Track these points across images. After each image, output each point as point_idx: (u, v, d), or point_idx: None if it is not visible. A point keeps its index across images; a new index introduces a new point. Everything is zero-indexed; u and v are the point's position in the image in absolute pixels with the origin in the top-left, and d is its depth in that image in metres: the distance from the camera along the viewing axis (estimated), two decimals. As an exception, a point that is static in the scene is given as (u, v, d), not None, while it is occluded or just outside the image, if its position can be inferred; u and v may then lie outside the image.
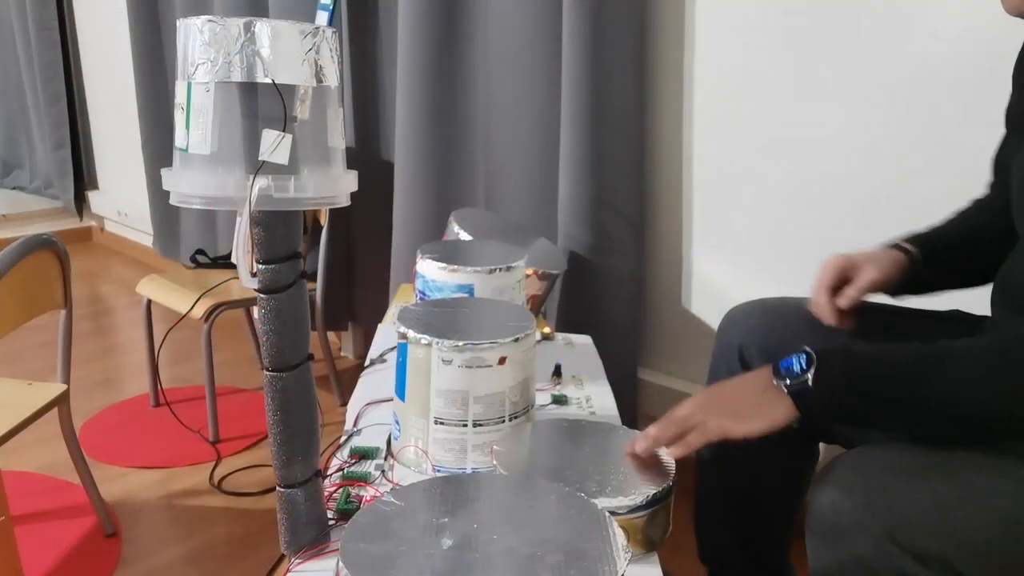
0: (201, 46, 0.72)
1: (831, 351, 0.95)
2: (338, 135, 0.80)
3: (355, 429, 1.17)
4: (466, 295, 1.28)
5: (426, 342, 1.00)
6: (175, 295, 2.21)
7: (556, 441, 1.01)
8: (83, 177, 4.19)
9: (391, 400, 1.11)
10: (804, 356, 0.95)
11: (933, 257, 1.18)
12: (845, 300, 1.14)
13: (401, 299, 1.72)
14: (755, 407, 0.96)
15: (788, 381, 0.94)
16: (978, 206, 1.24)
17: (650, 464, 0.96)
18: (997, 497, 0.85)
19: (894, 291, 1.17)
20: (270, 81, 0.72)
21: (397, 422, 1.08)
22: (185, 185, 0.75)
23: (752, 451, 1.27)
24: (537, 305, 1.61)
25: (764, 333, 1.24)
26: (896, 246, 1.18)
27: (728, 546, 1.34)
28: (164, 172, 0.76)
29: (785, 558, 1.37)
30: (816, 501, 0.92)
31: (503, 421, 1.04)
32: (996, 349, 0.90)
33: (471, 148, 2.11)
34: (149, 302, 2.31)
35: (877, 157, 1.53)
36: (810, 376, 0.93)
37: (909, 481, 0.87)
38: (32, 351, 2.72)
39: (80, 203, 4.21)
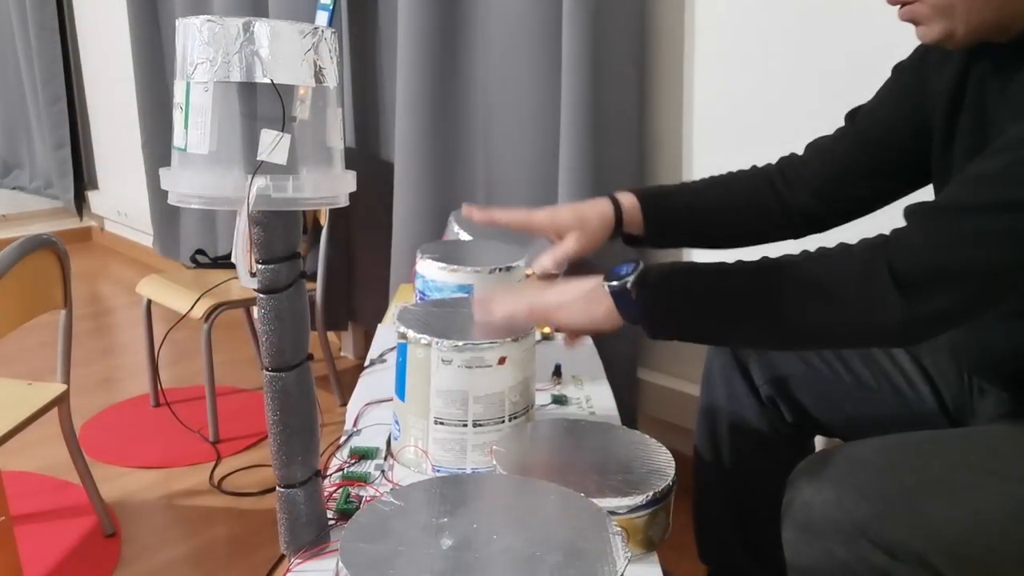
0: (200, 46, 0.72)
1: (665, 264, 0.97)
2: (337, 135, 0.80)
3: (355, 429, 1.17)
4: (466, 295, 1.28)
5: (426, 342, 1.00)
6: (175, 295, 2.21)
7: (556, 441, 1.01)
8: (83, 177, 4.19)
9: (391, 400, 1.11)
10: (634, 263, 0.95)
11: (656, 222, 1.22)
12: (539, 269, 1.17)
13: (401, 299, 1.72)
14: (579, 304, 0.96)
15: (612, 283, 0.94)
16: (747, 175, 1.25)
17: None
18: (966, 489, 0.86)
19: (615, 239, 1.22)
20: (269, 81, 0.72)
21: (397, 422, 1.08)
22: (183, 185, 0.75)
23: (749, 449, 1.28)
24: (537, 305, 1.60)
25: None
26: (615, 200, 1.21)
27: (728, 545, 1.34)
28: (162, 171, 0.76)
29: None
30: (789, 497, 0.93)
31: (503, 421, 1.04)
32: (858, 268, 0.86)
33: (471, 148, 2.11)
34: (149, 302, 2.31)
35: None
36: (631, 280, 0.92)
37: (878, 476, 0.88)
38: (32, 351, 2.72)
39: (80, 203, 4.22)
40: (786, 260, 0.90)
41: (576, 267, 1.18)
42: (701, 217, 1.23)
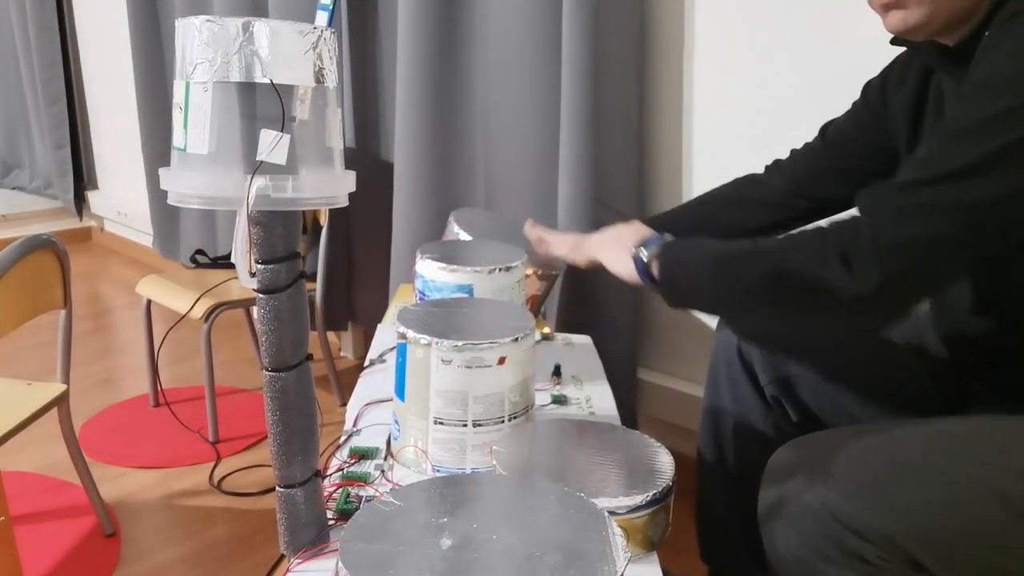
0: (199, 46, 0.72)
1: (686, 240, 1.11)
2: (336, 135, 0.79)
3: (355, 429, 1.17)
4: (466, 295, 1.28)
5: (425, 342, 1.00)
6: (175, 295, 2.21)
7: (556, 441, 1.01)
8: (83, 177, 4.19)
9: (391, 400, 1.11)
10: (658, 238, 1.11)
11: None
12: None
13: (401, 299, 1.72)
14: (617, 254, 1.17)
15: (637, 248, 1.12)
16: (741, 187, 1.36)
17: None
18: (935, 474, 0.87)
19: None
20: (268, 81, 0.72)
21: (396, 422, 1.08)
22: (183, 185, 0.75)
23: (753, 450, 1.27)
24: (537, 305, 1.60)
25: (763, 333, 1.25)
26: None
27: (731, 545, 1.34)
28: (162, 172, 0.76)
29: None
30: (765, 483, 0.96)
31: (503, 421, 1.04)
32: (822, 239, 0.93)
33: (471, 148, 2.11)
34: (149, 302, 2.31)
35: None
36: (647, 252, 1.10)
37: (850, 460, 0.90)
38: (32, 351, 2.72)
39: (80, 203, 4.22)
40: (764, 246, 1.00)
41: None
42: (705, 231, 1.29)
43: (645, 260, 1.10)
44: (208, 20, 0.71)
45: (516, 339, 1.02)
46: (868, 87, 1.22)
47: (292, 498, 0.87)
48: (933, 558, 0.85)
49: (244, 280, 0.80)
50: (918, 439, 0.92)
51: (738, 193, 1.35)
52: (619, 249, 1.16)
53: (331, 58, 0.76)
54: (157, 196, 3.37)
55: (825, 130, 1.29)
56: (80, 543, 1.77)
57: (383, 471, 1.05)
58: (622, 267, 1.14)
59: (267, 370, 0.83)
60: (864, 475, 0.88)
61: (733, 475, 1.31)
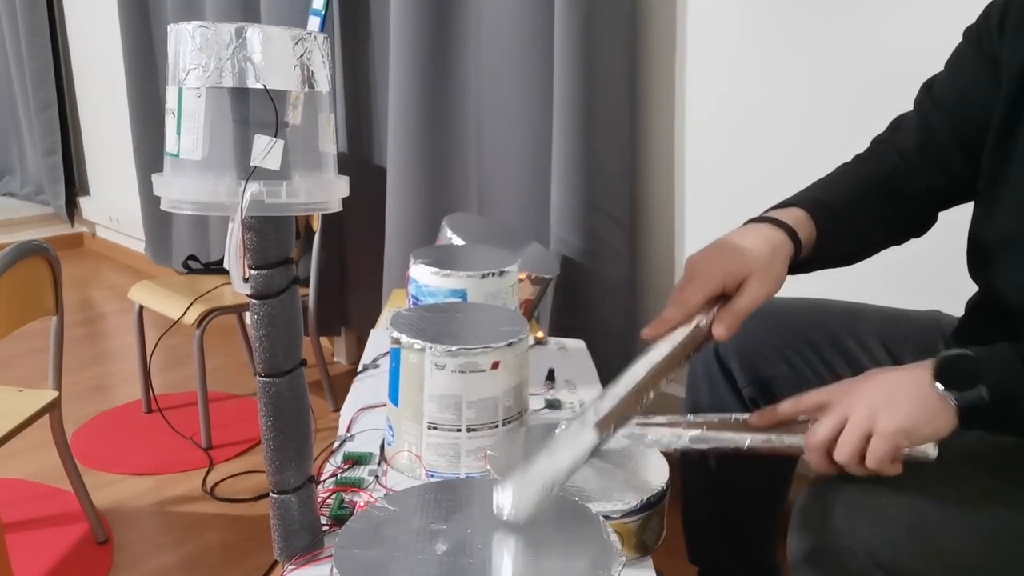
0: (192, 51, 0.72)
1: (999, 354, 0.82)
2: (329, 140, 0.80)
3: (348, 435, 1.17)
4: (459, 300, 1.28)
5: (419, 347, 1.00)
6: (167, 301, 2.20)
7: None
8: (74, 183, 4.18)
9: (384, 405, 1.11)
10: (970, 362, 0.82)
11: (830, 237, 1.01)
12: (723, 330, 0.93)
13: (394, 304, 1.72)
14: (922, 419, 0.82)
15: (956, 392, 0.81)
16: (863, 162, 1.10)
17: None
18: (977, 515, 0.84)
19: None
20: (261, 86, 0.72)
21: (390, 427, 1.08)
22: (176, 191, 0.75)
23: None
24: (530, 310, 1.61)
25: (739, 334, 1.23)
26: (784, 225, 0.97)
27: (717, 546, 1.35)
28: (155, 178, 0.76)
29: (773, 555, 1.37)
30: (798, 521, 0.91)
31: (496, 426, 1.04)
32: None
33: (464, 153, 2.11)
34: (141, 308, 2.31)
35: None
36: (985, 391, 0.80)
37: (890, 501, 0.86)
38: (23, 358, 2.71)
39: (71, 209, 4.21)
40: None
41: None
42: (863, 231, 1.06)
43: (985, 395, 0.80)
44: (201, 26, 0.71)
45: (510, 344, 1.02)
46: (976, 29, 1.00)
47: (286, 504, 0.86)
48: None
49: (237, 286, 0.80)
50: (957, 476, 0.87)
51: (886, 190, 1.06)
52: (922, 401, 0.82)
53: (323, 63, 0.76)
54: (149, 202, 3.37)
55: (930, 90, 1.05)
56: (72, 550, 1.76)
57: (377, 476, 1.05)
58: (938, 425, 0.81)
59: (260, 376, 0.83)
60: (906, 519, 0.83)
61: (716, 477, 1.30)
